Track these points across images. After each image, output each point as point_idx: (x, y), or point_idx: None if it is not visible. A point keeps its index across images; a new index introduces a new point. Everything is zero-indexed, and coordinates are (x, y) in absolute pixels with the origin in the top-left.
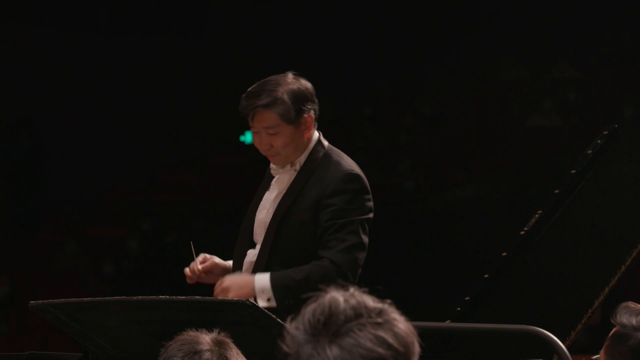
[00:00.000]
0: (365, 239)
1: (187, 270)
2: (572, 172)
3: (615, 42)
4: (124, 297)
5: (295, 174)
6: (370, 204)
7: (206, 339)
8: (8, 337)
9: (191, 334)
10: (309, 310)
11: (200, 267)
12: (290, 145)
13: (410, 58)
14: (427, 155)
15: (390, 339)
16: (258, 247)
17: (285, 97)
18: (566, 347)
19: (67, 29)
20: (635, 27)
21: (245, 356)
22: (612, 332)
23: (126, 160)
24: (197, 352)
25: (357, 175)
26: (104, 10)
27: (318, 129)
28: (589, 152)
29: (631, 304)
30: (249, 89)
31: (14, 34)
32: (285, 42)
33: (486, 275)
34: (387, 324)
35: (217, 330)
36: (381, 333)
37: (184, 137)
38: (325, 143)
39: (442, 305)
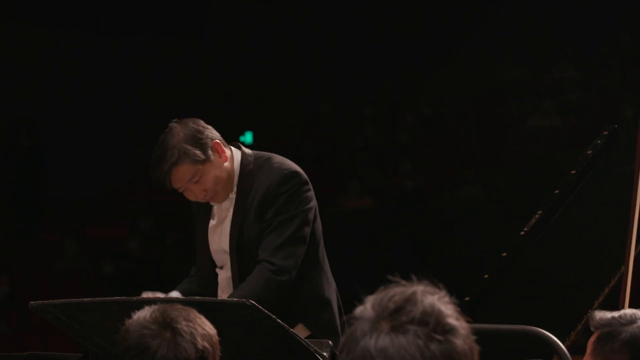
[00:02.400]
0: (305, 230)
1: None
2: (572, 172)
3: (615, 42)
4: (124, 297)
5: (235, 196)
6: (310, 193)
7: (156, 340)
8: (8, 337)
9: (132, 331)
10: (389, 293)
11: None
12: (219, 179)
13: (410, 58)
14: (427, 155)
15: (440, 357)
16: (227, 270)
17: (183, 145)
18: (566, 347)
19: (67, 29)
20: (635, 27)
21: (245, 356)
22: (593, 337)
23: (126, 160)
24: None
25: (293, 173)
26: (104, 10)
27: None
28: (589, 152)
29: (602, 311)
30: (150, 162)
31: (14, 34)
32: (285, 43)
33: (486, 276)
34: (446, 343)
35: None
36: (434, 348)
37: None
38: (249, 151)
39: None
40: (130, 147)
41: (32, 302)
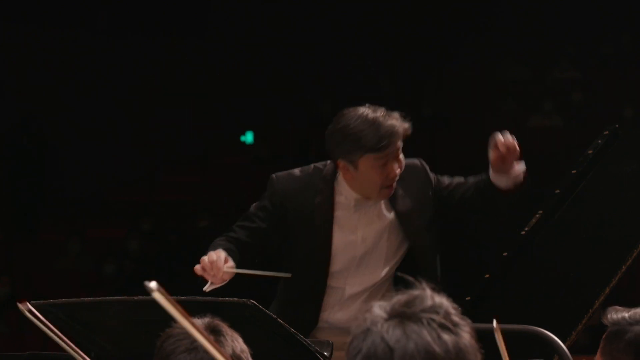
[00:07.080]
0: None
1: (206, 261)
2: (573, 172)
3: (615, 42)
4: (124, 297)
5: (377, 203)
6: None
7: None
8: (8, 337)
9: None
10: (397, 297)
11: (225, 267)
12: None
13: (410, 58)
14: (427, 156)
15: (450, 346)
16: (382, 268)
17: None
18: (567, 347)
19: (67, 29)
20: (635, 27)
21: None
22: (605, 333)
23: (127, 161)
24: (195, 348)
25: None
26: (104, 10)
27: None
28: (590, 152)
29: (617, 307)
30: (382, 112)
31: (14, 34)
32: (286, 43)
33: (486, 275)
34: (455, 334)
35: (209, 315)
36: (445, 336)
37: (184, 137)
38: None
39: None
40: (130, 147)
41: (33, 302)
